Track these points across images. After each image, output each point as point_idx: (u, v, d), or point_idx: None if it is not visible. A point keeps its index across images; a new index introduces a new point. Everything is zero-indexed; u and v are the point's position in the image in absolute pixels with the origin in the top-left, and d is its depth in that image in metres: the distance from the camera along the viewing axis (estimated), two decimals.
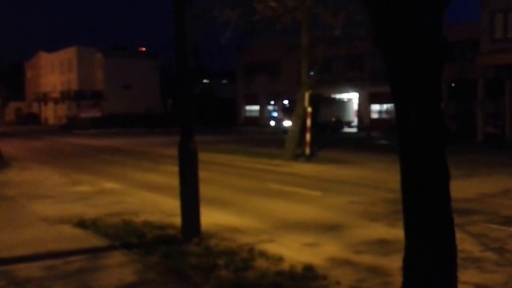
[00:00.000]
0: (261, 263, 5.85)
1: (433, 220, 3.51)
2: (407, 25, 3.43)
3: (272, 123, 41.21)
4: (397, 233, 6.66)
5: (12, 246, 6.51)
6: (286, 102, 43.66)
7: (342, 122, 36.08)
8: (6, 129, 47.83)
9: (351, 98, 42.39)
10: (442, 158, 3.56)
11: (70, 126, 48.77)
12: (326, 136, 24.94)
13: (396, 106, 3.65)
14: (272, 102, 45.33)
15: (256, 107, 52.25)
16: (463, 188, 11.09)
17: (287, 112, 37.34)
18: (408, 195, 3.59)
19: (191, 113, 7.01)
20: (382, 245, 6.93)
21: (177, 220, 7.22)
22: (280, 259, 5.99)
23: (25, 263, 5.79)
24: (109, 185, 12.65)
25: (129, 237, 6.88)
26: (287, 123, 36.98)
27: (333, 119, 35.58)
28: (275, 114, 41.72)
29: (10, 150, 21.67)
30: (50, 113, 68.34)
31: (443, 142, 3.58)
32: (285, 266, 5.75)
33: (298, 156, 17.97)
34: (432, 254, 3.51)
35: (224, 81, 71.03)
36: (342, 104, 39.66)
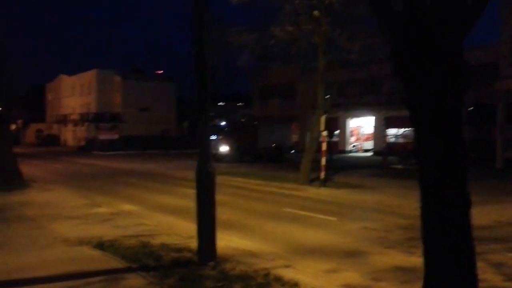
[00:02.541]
0: None
1: (454, 248, 3.46)
2: (428, 52, 3.44)
3: None
4: (415, 260, 6.57)
5: (32, 267, 6.60)
6: (223, 123, 38.71)
7: (282, 148, 32.51)
8: (26, 150, 48.67)
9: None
10: (463, 185, 3.52)
11: (89, 147, 49.53)
12: (267, 163, 22.36)
13: (415, 132, 3.64)
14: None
15: None
16: (482, 215, 10.87)
17: (224, 135, 33.30)
18: (428, 222, 3.55)
19: (209, 136, 7.12)
20: (400, 273, 6.83)
21: (193, 243, 7.25)
22: (295, 285, 5.95)
23: (45, 284, 5.87)
24: (127, 207, 12.78)
25: (146, 259, 6.94)
26: (223, 148, 31.71)
27: (273, 145, 31.50)
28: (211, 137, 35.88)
29: (30, 171, 22.04)
30: (70, 135, 69.46)
31: (464, 169, 3.54)
32: None
33: (313, 180, 17.90)
34: (452, 284, 3.45)
35: (239, 104, 71.58)
36: (284, 128, 35.56)
